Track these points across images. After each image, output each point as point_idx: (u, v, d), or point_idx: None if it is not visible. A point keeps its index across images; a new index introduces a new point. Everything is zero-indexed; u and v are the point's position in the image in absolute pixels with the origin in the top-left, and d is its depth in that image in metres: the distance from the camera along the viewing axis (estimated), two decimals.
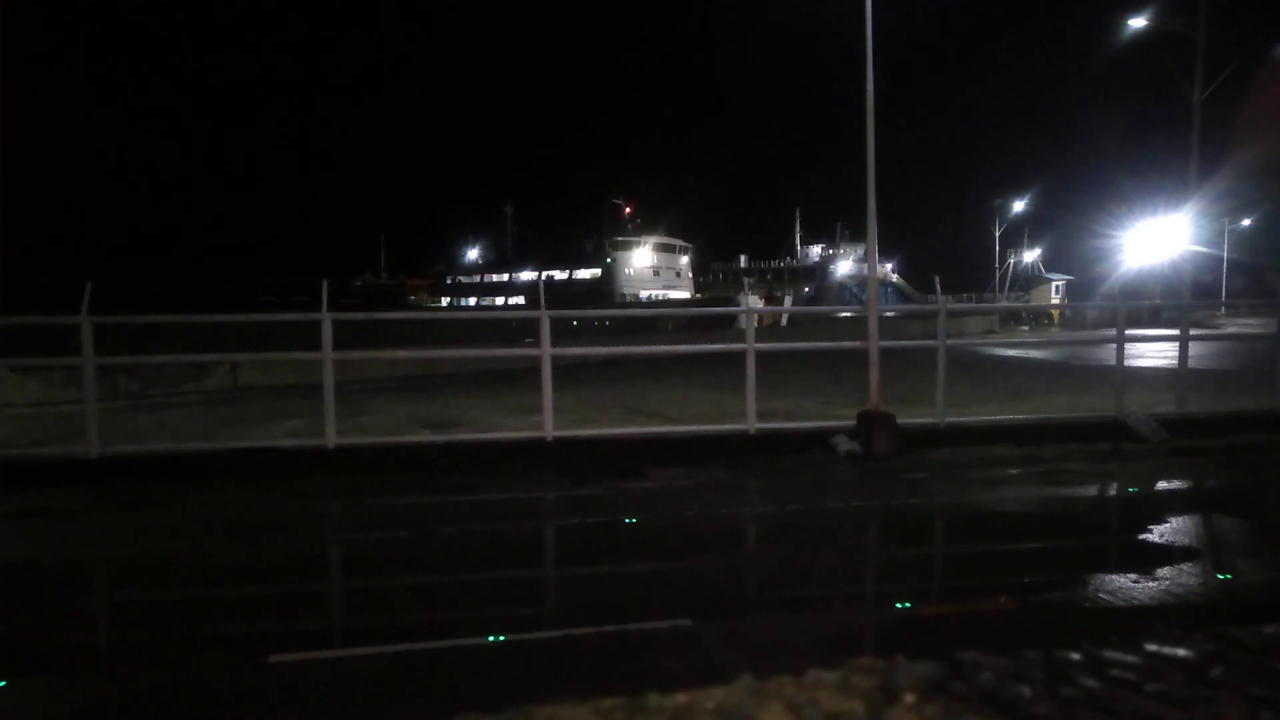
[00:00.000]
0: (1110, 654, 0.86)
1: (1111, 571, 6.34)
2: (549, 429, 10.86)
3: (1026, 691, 0.78)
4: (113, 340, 11.07)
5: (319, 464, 10.20)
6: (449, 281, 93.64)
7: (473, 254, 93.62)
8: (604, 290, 75.49)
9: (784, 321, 39.35)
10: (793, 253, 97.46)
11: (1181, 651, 0.87)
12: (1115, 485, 9.99)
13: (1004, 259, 72.86)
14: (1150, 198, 35.29)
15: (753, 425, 11.21)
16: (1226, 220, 53.77)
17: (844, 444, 10.90)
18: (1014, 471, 10.28)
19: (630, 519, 8.27)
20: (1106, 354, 16.44)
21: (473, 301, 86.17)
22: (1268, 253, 54.62)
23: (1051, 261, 77.49)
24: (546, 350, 11.03)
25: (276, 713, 4.20)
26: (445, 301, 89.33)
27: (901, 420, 11.22)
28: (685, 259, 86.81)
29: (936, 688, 0.79)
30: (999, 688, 0.79)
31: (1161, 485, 9.99)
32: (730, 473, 10.14)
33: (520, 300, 74.15)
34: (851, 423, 11.19)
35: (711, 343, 18.39)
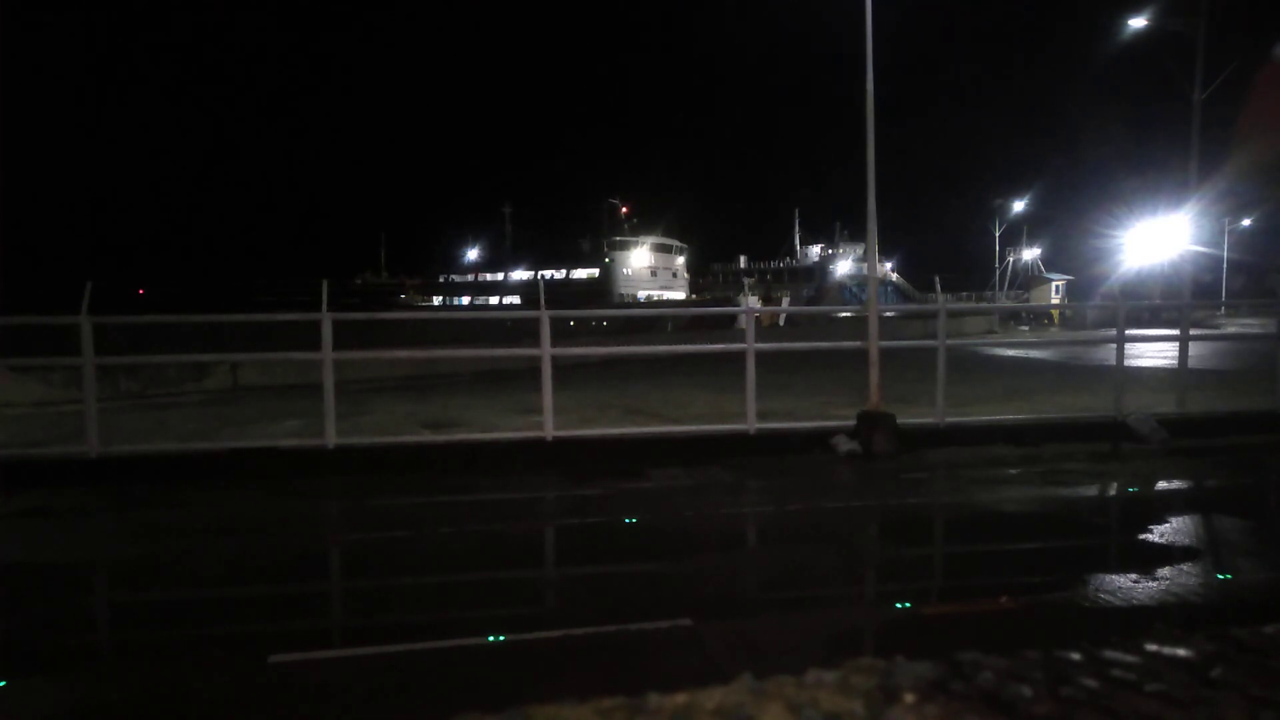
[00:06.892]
0: (1110, 654, 0.86)
1: (1111, 571, 6.34)
2: (549, 429, 10.86)
3: (1026, 691, 0.79)
4: (113, 340, 11.06)
5: (319, 464, 10.20)
6: (441, 280, 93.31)
7: (472, 254, 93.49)
8: (602, 290, 75.52)
9: (782, 321, 39.34)
10: (792, 253, 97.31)
11: (1181, 651, 0.87)
12: (1115, 485, 9.99)
13: (1004, 258, 72.93)
14: (1150, 198, 35.34)
15: (753, 425, 11.21)
16: (1226, 220, 53.81)
17: (844, 444, 10.90)
18: (1014, 471, 10.28)
19: (630, 519, 8.27)
20: (1106, 354, 16.43)
21: (466, 300, 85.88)
22: (1268, 253, 54.69)
23: (1051, 261, 77.60)
24: (546, 350, 11.03)
25: (276, 713, 4.20)
26: (437, 300, 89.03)
27: (901, 420, 11.23)
28: (681, 260, 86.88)
29: (936, 688, 0.79)
30: (999, 688, 0.79)
31: (1161, 485, 9.99)
32: (730, 473, 10.14)
33: (515, 300, 74.05)
34: (851, 423, 11.19)
35: (711, 343, 18.37)
